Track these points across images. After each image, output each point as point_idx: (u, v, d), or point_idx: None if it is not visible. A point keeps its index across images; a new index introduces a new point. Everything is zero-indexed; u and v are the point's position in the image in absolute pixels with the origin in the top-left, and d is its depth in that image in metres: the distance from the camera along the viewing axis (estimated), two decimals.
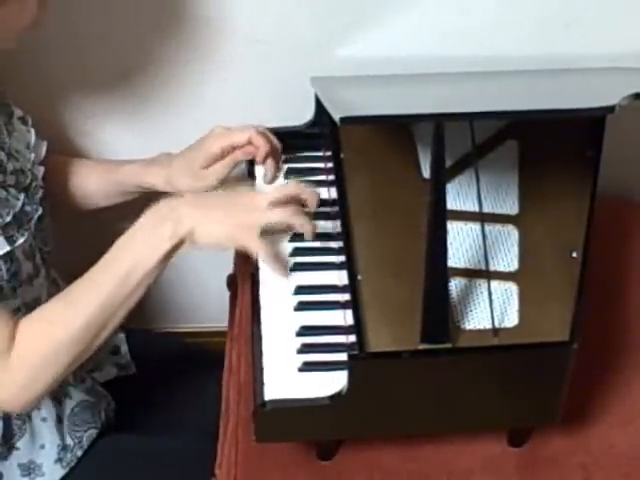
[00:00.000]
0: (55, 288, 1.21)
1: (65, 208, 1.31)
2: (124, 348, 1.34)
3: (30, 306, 1.10)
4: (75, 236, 1.46)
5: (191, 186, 1.21)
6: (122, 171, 1.29)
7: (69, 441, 1.21)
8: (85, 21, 1.30)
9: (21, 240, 1.07)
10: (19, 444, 1.18)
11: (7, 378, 1.03)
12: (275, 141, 1.22)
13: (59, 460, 1.20)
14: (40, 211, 1.13)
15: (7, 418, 1.17)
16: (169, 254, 1.04)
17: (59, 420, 1.20)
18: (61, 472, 1.20)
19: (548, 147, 1.18)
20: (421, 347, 0.98)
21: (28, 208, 1.11)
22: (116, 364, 1.34)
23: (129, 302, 1.04)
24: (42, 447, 1.19)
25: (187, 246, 1.04)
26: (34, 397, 1.05)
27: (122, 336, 1.36)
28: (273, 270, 1.09)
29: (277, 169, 1.22)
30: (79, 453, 1.21)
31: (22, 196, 1.10)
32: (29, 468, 1.19)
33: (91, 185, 1.31)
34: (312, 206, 1.11)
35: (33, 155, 1.17)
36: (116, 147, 1.44)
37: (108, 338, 1.07)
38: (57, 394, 1.20)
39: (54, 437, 1.20)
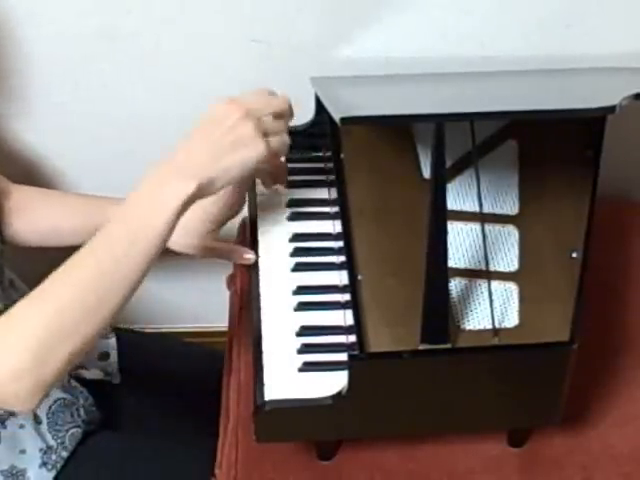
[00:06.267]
0: (13, 292, 1.17)
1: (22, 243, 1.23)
2: (113, 355, 1.32)
3: None
4: None
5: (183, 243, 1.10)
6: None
7: (52, 442, 1.18)
8: None
9: None
10: None
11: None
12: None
13: (44, 464, 1.17)
14: None
15: None
16: (179, 213, 0.93)
17: (37, 422, 1.17)
18: (48, 476, 1.17)
19: (548, 147, 1.18)
20: (421, 347, 0.98)
21: None
22: (102, 370, 1.31)
23: (132, 274, 0.93)
24: (23, 452, 1.16)
25: (199, 199, 0.95)
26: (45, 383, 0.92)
27: (112, 342, 1.32)
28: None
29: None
30: (64, 454, 1.19)
31: None
32: (12, 474, 1.15)
33: (66, 221, 1.20)
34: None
35: None
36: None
37: (116, 316, 0.94)
38: None
39: (35, 441, 1.16)
